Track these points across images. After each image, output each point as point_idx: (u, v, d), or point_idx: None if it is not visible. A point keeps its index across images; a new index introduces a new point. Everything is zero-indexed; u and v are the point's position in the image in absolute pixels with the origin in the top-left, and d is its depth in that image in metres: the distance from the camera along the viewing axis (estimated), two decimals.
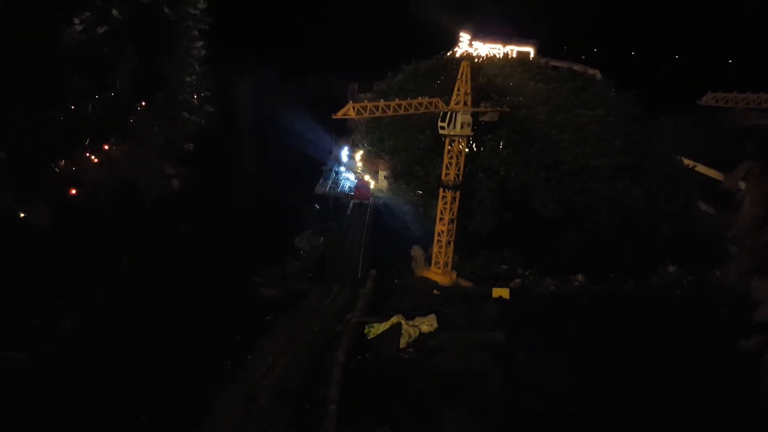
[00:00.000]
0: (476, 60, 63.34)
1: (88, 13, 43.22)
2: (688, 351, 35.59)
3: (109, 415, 27.65)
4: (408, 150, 54.22)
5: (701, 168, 60.49)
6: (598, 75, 69.26)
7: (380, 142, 58.20)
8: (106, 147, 48.81)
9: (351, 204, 59.34)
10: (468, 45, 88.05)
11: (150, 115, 52.99)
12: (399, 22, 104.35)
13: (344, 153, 71.79)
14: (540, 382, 32.35)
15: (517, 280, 48.59)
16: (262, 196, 56.51)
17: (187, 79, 55.93)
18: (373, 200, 59.60)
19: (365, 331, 37.61)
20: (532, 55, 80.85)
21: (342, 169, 69.79)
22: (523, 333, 37.67)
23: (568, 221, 49.73)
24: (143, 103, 52.44)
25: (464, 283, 47.92)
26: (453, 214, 46.29)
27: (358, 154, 67.29)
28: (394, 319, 37.62)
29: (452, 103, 43.77)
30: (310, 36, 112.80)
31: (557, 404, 30.45)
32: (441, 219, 46.45)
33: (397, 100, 42.46)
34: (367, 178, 65.61)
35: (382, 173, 64.28)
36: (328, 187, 64.69)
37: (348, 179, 66.66)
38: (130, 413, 27.97)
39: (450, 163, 45.22)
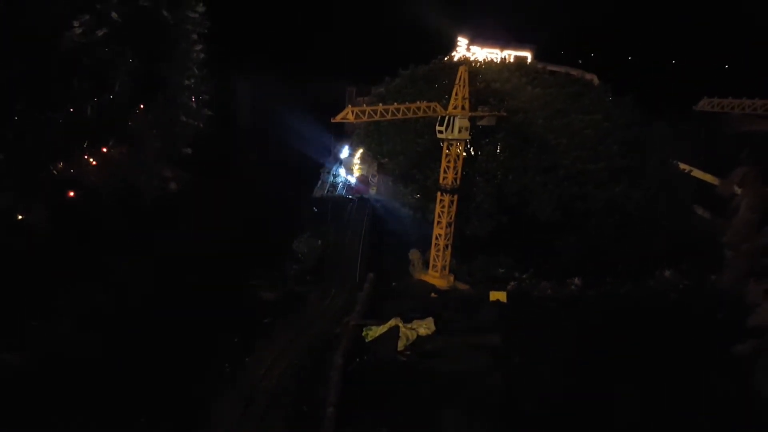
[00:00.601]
0: (474, 64, 63.59)
1: (87, 16, 43.26)
2: (684, 354, 35.91)
3: (109, 416, 27.72)
4: (406, 154, 54.43)
5: (697, 173, 60.83)
6: (596, 80, 69.54)
7: (379, 145, 58.39)
8: (105, 149, 48.84)
9: (349, 207, 59.57)
10: (465, 49, 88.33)
11: (148, 118, 52.99)
12: (397, 26, 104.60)
13: (344, 151, 72.23)
14: (537, 384, 32.57)
15: (514, 284, 48.82)
16: (260, 199, 56.65)
17: (186, 82, 55.81)
18: (370, 204, 59.89)
19: (363, 334, 37.81)
20: (529, 60, 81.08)
21: (341, 170, 70.23)
22: (520, 336, 37.94)
23: (566, 225, 49.95)
24: (141, 106, 52.46)
25: (462, 286, 48.13)
26: (451, 218, 46.54)
27: (358, 153, 67.59)
28: (392, 322, 37.83)
29: (450, 107, 44.07)
30: (308, 40, 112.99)
31: (554, 406, 30.68)
32: (439, 222, 46.69)
33: (395, 104, 42.70)
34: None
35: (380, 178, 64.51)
36: (326, 190, 64.89)
37: (346, 179, 67.19)
38: (129, 414, 28.06)
39: (448, 167, 45.50)
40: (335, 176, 68.65)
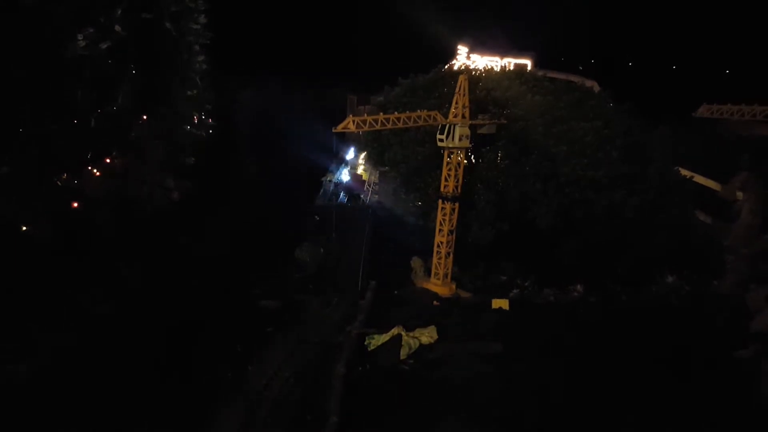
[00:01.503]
0: (474, 73, 63.82)
1: (91, 29, 43.70)
2: (686, 359, 35.95)
3: (111, 423, 27.89)
4: (407, 162, 54.65)
5: (699, 178, 60.83)
6: (596, 86, 69.63)
7: (380, 154, 58.65)
8: (108, 160, 49.17)
9: (351, 214, 59.79)
10: (466, 57, 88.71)
11: (151, 128, 53.34)
12: (398, 34, 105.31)
13: (350, 152, 72.92)
14: (539, 392, 32.58)
15: (516, 291, 48.87)
16: (262, 207, 56.92)
17: (188, 92, 56.22)
18: (372, 212, 60.13)
19: (365, 343, 37.92)
20: (529, 67, 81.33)
21: (344, 173, 70.78)
22: (522, 343, 37.98)
23: (567, 231, 50.03)
24: (144, 117, 52.81)
25: (464, 294, 48.18)
26: (452, 226, 46.67)
27: (363, 154, 68.18)
28: (394, 331, 37.93)
29: (450, 115, 44.29)
30: (310, 48, 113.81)
31: (556, 413, 30.70)
32: (440, 230, 46.82)
33: (396, 113, 42.93)
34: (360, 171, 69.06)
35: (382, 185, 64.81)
36: (328, 198, 65.16)
37: (341, 180, 68.00)
38: (131, 422, 28.20)
39: (449, 175, 45.69)
40: (337, 184, 69.03)
